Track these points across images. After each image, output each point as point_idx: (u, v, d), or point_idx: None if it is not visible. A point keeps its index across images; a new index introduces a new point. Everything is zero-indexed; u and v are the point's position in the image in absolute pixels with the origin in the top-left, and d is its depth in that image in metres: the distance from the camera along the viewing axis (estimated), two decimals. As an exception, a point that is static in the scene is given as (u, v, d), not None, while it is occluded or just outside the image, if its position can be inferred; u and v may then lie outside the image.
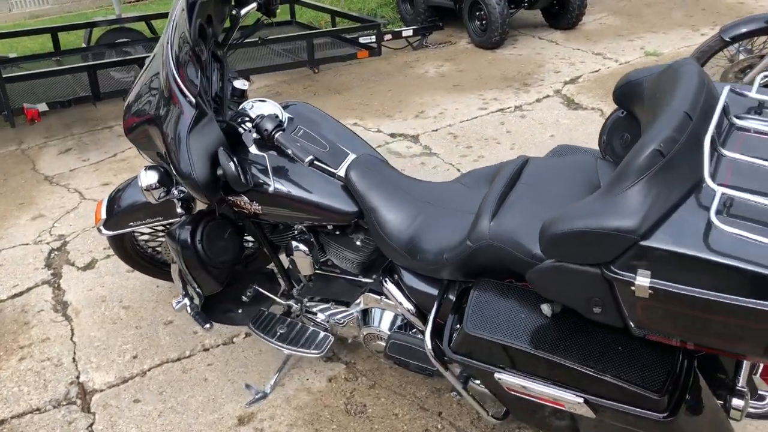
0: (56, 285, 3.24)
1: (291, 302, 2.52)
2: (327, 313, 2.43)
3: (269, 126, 2.04)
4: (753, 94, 1.62)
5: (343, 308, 2.38)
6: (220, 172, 2.01)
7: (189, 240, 2.23)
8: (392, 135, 4.56)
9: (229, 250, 2.34)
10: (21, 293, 3.20)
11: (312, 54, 5.05)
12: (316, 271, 2.40)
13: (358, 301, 2.32)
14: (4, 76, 4.83)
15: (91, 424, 2.45)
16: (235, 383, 2.57)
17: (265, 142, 2.07)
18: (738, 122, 1.57)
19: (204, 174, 1.97)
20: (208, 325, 2.36)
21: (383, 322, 2.27)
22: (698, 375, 1.77)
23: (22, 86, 4.80)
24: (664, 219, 1.45)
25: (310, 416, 2.41)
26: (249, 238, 2.57)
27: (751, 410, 1.87)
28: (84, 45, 5.74)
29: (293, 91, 5.53)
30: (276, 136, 2.03)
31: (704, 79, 1.60)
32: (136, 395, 2.55)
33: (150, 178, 2.23)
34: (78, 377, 2.67)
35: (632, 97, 1.81)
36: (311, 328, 2.49)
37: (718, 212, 1.43)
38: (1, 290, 3.23)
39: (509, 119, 4.62)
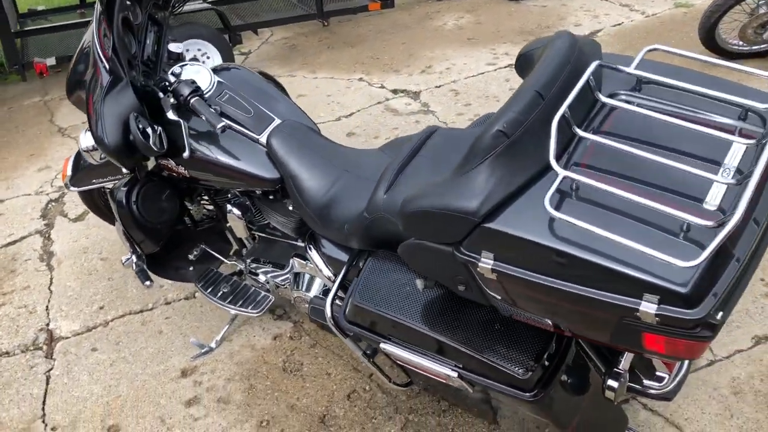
0: (47, 235, 3.42)
1: (238, 263, 2.59)
2: (268, 275, 2.49)
3: (185, 91, 2.07)
4: (630, 69, 1.53)
5: (280, 271, 2.43)
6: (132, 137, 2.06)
7: (124, 200, 2.31)
8: (394, 91, 4.51)
9: (166, 211, 2.41)
10: (14, 242, 3.40)
11: (321, 6, 5.00)
12: (260, 234, 2.46)
13: (290, 264, 2.36)
14: (26, 29, 5.01)
15: (50, 370, 2.61)
16: (187, 337, 2.68)
17: (181, 107, 2.10)
18: (604, 100, 1.50)
19: (116, 139, 2.02)
20: (148, 282, 2.46)
21: (309, 286, 2.31)
22: (583, 355, 1.75)
23: (42, 39, 4.97)
24: (509, 202, 1.41)
25: (248, 372, 2.50)
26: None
27: (653, 392, 1.82)
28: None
29: (308, 43, 5.51)
30: (191, 101, 2.06)
31: (571, 55, 1.52)
32: (95, 344, 2.70)
33: (87, 140, 2.30)
34: (48, 325, 2.84)
35: (525, 69, 1.74)
36: (253, 289, 2.55)
37: (566, 196, 1.38)
38: (-2, 239, 3.44)
39: (516, 76, 4.48)
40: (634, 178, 1.39)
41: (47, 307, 2.94)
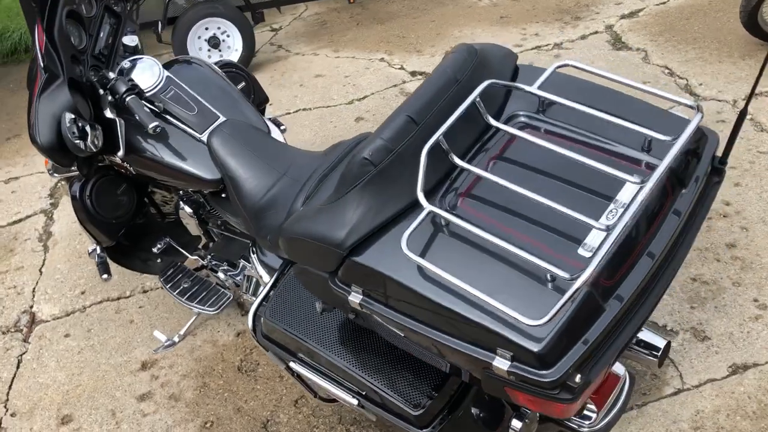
0: (50, 215, 3.50)
1: (201, 258, 2.56)
2: (227, 273, 2.45)
3: (121, 89, 2.03)
4: (532, 88, 1.37)
5: (234, 270, 2.39)
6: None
7: (78, 193, 2.31)
8: (413, 73, 4.35)
9: (121, 206, 2.39)
10: (19, 220, 3.50)
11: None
12: (218, 231, 2.42)
13: (241, 265, 2.31)
14: None
15: (23, 354, 2.68)
16: (156, 328, 2.68)
17: (116, 105, 2.06)
18: (494, 124, 1.35)
19: (48, 139, 2.00)
20: (105, 276, 2.46)
21: (255, 290, 2.26)
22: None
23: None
24: (379, 234, 1.30)
25: (205, 369, 2.49)
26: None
27: (582, 430, 1.69)
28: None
29: (340, 19, 5.39)
30: (127, 99, 2.01)
31: (459, 74, 1.38)
32: (69, 330, 2.75)
33: None
34: (31, 307, 2.91)
35: None
36: (214, 285, 2.52)
37: (433, 233, 1.26)
38: (5, 216, 3.54)
39: (540, 58, 4.24)
40: (517, 213, 1.26)
41: (34, 289, 3.01)
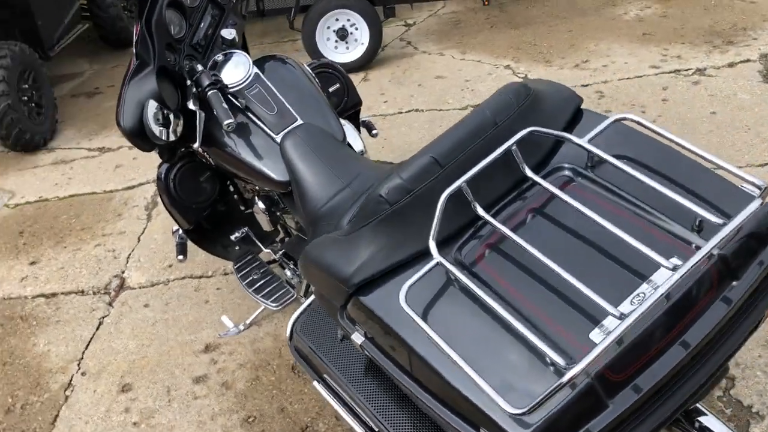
0: (160, 185, 3.67)
1: (273, 252, 2.58)
2: (294, 272, 2.45)
3: (204, 82, 2.06)
4: (582, 141, 1.21)
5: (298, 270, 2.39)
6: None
7: (163, 176, 2.39)
8: (536, 85, 4.16)
9: (202, 193, 2.45)
10: (132, 187, 3.71)
11: (482, -16, 4.70)
12: (291, 229, 2.43)
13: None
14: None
15: (105, 317, 2.84)
16: (227, 312, 2.75)
17: (199, 97, 2.09)
18: (531, 176, 1.21)
19: (130, 123, 2.07)
20: (180, 257, 2.53)
21: (306, 293, 2.24)
22: None
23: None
24: (389, 277, 1.22)
25: (261, 362, 2.51)
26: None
27: None
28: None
29: (475, 20, 5.27)
30: (208, 93, 2.04)
31: (500, 116, 1.25)
32: (149, 301, 2.88)
33: None
34: (123, 272, 3.07)
35: None
36: (282, 282, 2.53)
37: (442, 286, 1.17)
38: (122, 181, 3.77)
39: (677, 84, 3.91)
40: (535, 280, 1.13)
41: (129, 255, 3.18)
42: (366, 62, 4.70)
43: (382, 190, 1.21)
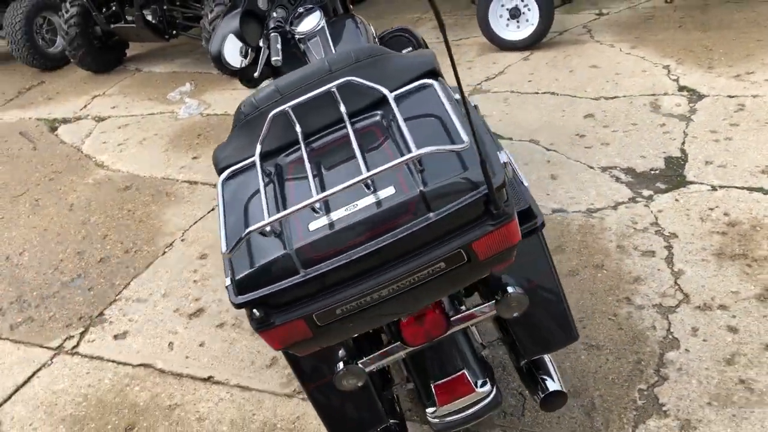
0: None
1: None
2: None
3: (270, 24, 2.61)
4: (387, 92, 1.52)
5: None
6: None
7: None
8: (682, 88, 4.05)
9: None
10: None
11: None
12: None
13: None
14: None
15: (218, 205, 3.61)
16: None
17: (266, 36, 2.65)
18: (342, 112, 1.56)
19: (214, 51, 2.70)
20: None
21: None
22: None
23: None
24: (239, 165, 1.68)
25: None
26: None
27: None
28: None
29: (668, 17, 5.12)
30: (270, 34, 2.60)
31: (335, 65, 1.60)
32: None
33: None
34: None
35: None
36: None
37: (255, 175, 1.61)
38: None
39: (834, 110, 3.59)
40: (303, 185, 1.50)
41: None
42: (533, 42, 4.90)
43: (242, 105, 1.66)
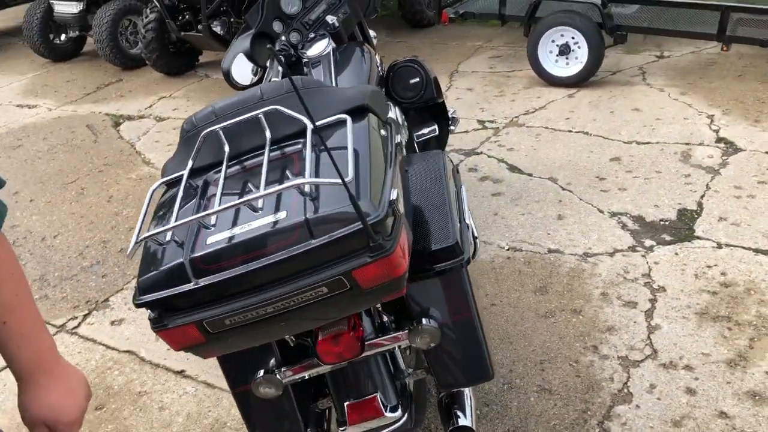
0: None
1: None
2: None
3: (277, 47, 2.76)
4: (308, 123, 1.61)
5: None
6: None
7: None
8: (720, 140, 3.91)
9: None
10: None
11: (723, 28, 4.42)
12: None
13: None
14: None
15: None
16: None
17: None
18: (267, 137, 1.65)
19: (225, 67, 2.86)
20: None
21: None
22: None
23: None
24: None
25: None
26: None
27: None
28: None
29: (732, 65, 4.95)
30: (275, 56, 2.74)
31: (268, 93, 1.70)
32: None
33: None
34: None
35: None
36: None
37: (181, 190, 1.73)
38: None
39: None
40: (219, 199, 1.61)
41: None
42: (581, 80, 4.85)
43: (185, 123, 1.78)
